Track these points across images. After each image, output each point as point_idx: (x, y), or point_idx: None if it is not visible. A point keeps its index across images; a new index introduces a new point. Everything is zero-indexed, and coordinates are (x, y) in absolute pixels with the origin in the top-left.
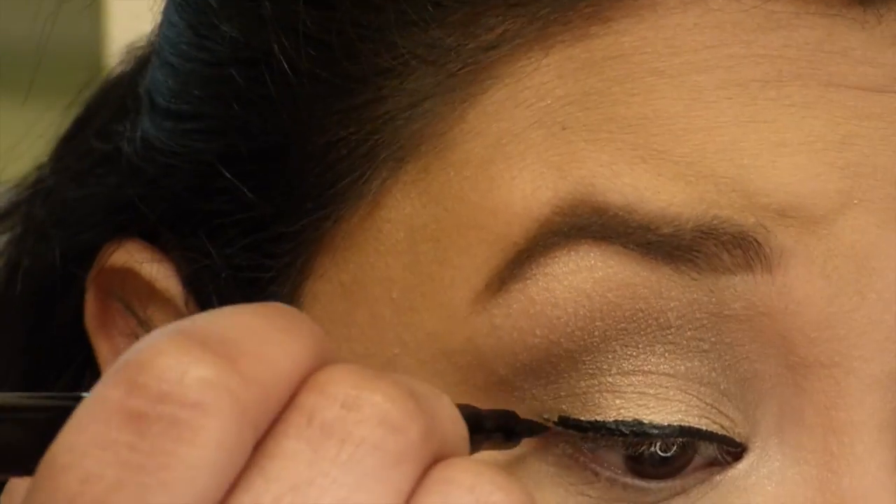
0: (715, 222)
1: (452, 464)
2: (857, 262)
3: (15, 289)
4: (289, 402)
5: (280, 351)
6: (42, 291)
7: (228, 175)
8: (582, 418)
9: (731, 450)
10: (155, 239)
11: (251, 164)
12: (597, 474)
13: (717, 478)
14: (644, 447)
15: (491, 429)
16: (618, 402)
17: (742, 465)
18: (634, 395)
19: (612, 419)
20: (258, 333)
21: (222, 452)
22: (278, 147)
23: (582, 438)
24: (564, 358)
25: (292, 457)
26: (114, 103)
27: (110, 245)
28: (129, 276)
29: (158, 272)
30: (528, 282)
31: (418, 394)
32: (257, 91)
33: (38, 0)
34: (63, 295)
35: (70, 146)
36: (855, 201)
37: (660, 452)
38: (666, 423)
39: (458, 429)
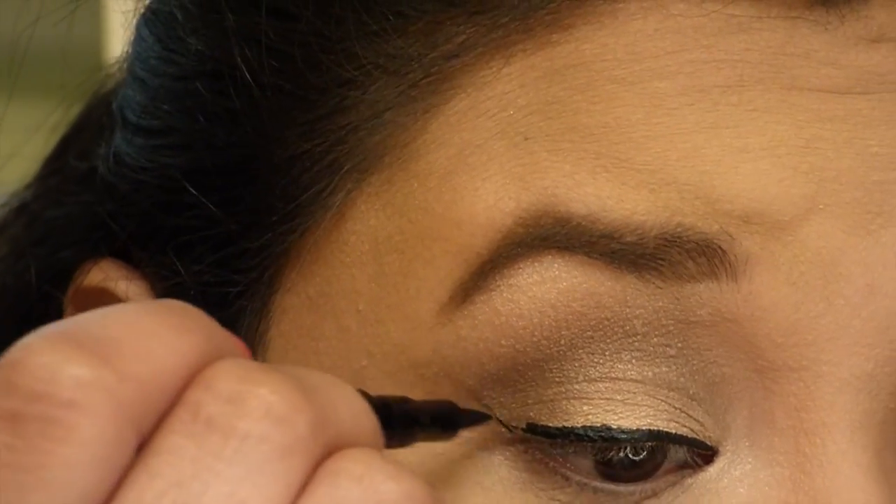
0: (679, 230)
1: (344, 454)
2: (823, 268)
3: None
4: (176, 398)
5: (164, 348)
6: (20, 311)
7: (193, 191)
8: (550, 425)
9: (702, 452)
10: (129, 257)
11: (217, 179)
12: (567, 479)
13: (689, 480)
14: (613, 452)
15: (426, 421)
16: (585, 408)
17: (713, 468)
18: (602, 402)
19: (580, 425)
20: (141, 331)
21: (100, 450)
22: (243, 160)
23: (551, 445)
24: (531, 367)
25: (177, 452)
26: (94, 123)
27: (86, 264)
28: (104, 294)
29: (132, 291)
30: (493, 293)
31: (310, 385)
32: (222, 104)
33: (38, 0)
34: (41, 315)
35: (53, 166)
36: (820, 206)
37: (630, 456)
38: (635, 428)
39: (359, 420)
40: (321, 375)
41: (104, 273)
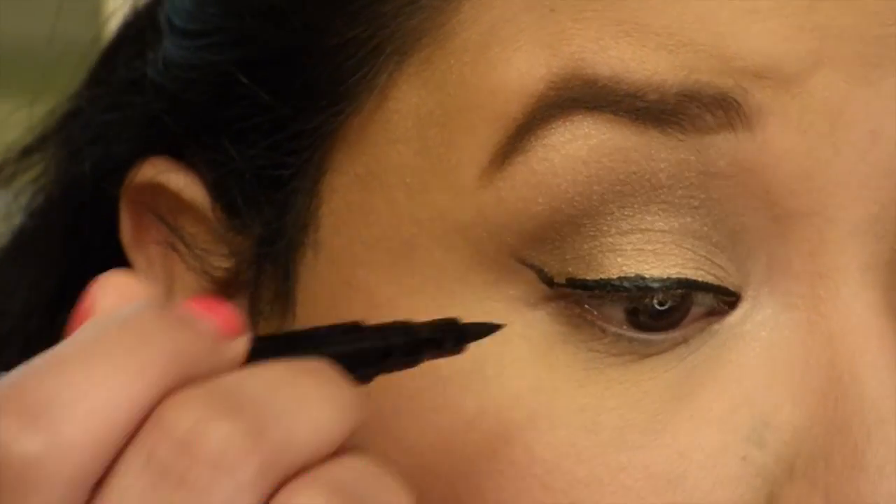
0: (696, 86)
1: (291, 488)
2: (829, 116)
3: (53, 212)
4: (134, 431)
5: (110, 396)
6: (76, 207)
7: (246, 81)
8: (587, 278)
9: (726, 299)
10: (180, 153)
11: (267, 70)
12: (604, 331)
13: (715, 326)
14: (647, 300)
15: (428, 338)
16: (619, 259)
17: (737, 314)
18: (634, 253)
19: (615, 276)
20: (89, 381)
21: None
22: (291, 51)
23: (589, 297)
24: (567, 223)
25: (127, 499)
26: (134, 35)
27: (139, 162)
28: (158, 189)
29: (185, 183)
30: (529, 154)
31: (270, 414)
32: (268, 2)
33: (38, 0)
34: (96, 211)
35: (99, 75)
36: (825, 60)
37: (657, 306)
38: (665, 276)
39: (322, 436)
40: (291, 390)
41: (156, 169)
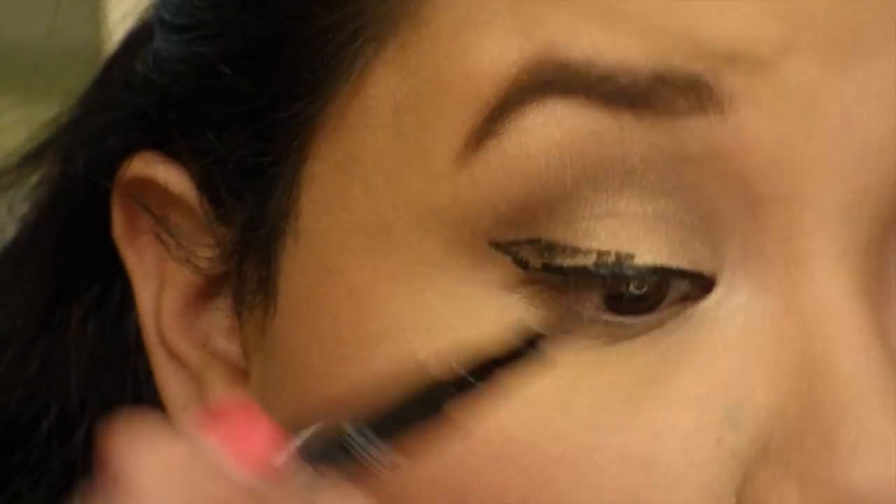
0: (668, 70)
1: None
2: (802, 102)
3: (47, 213)
4: None
5: None
6: (71, 207)
7: (228, 71)
8: (563, 264)
9: (702, 283)
10: (169, 147)
11: (248, 60)
12: (580, 314)
13: (691, 310)
14: (622, 288)
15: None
16: (594, 245)
17: (712, 298)
18: (608, 238)
19: (591, 263)
20: None
21: None
22: (272, 40)
23: (564, 282)
24: (541, 207)
25: None
26: (134, 41)
27: (129, 156)
28: (147, 183)
29: (172, 176)
30: (503, 137)
31: None
32: None
33: (38, 0)
34: (90, 211)
35: (99, 83)
36: (797, 46)
37: (634, 291)
38: (641, 263)
39: None
40: None
41: (145, 163)
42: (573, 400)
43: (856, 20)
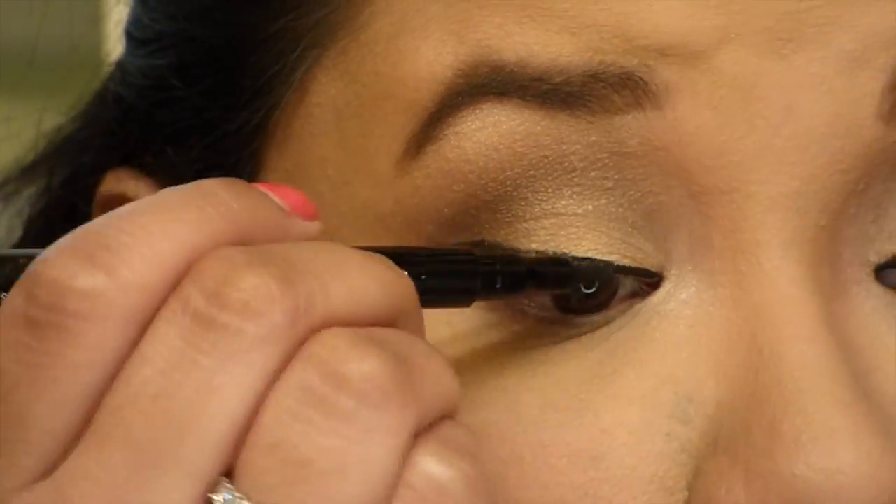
0: (601, 67)
1: (315, 339)
2: (741, 92)
3: (35, 234)
4: (176, 287)
5: (165, 244)
6: (49, 224)
7: (178, 84)
8: None
9: (649, 280)
10: (140, 162)
11: (198, 71)
12: (526, 314)
13: (639, 306)
14: (567, 288)
15: (532, 270)
16: (534, 245)
17: (660, 293)
18: (548, 238)
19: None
20: (143, 230)
21: (103, 352)
22: (218, 51)
23: None
24: (483, 209)
25: (165, 342)
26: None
27: (104, 175)
28: (121, 200)
29: (143, 192)
30: (441, 142)
31: (303, 270)
32: (200, 2)
33: (38, 0)
34: (67, 223)
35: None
36: (732, 35)
37: (584, 290)
38: None
39: (358, 296)
40: (331, 255)
41: (116, 178)
42: (521, 399)
43: (792, 7)
